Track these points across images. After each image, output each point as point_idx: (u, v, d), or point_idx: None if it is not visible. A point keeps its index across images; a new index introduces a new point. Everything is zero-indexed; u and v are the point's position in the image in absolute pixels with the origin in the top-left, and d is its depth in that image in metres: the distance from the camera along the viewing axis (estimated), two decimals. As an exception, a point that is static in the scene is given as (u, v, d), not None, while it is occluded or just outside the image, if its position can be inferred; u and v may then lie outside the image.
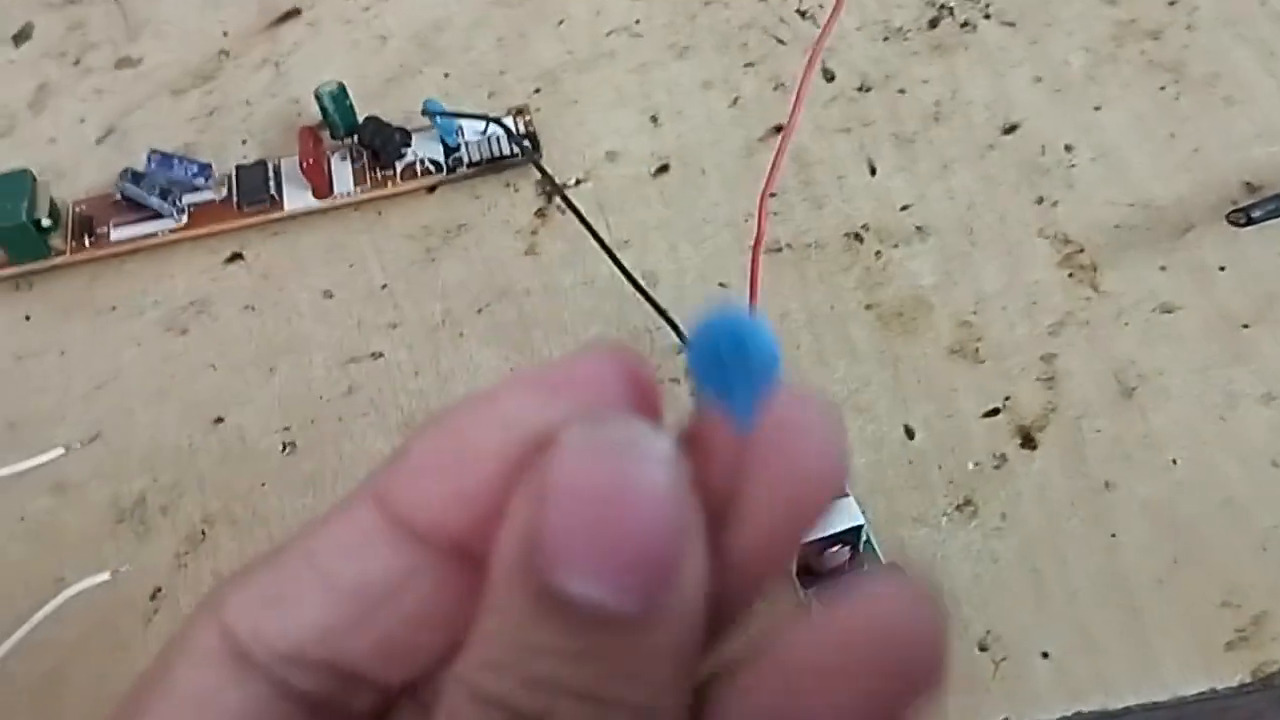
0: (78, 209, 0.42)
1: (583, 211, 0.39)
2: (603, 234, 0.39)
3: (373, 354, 0.39)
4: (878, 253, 0.39)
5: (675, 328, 0.36)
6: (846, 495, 0.32)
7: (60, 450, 0.37)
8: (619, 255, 0.38)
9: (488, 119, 0.42)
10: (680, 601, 0.14)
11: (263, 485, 0.36)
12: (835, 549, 0.31)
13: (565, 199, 0.39)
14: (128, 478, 0.36)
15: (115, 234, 0.41)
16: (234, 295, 0.40)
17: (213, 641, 0.16)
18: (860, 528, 0.31)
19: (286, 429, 0.37)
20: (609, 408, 0.15)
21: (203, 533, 0.35)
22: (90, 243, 0.41)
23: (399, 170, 0.42)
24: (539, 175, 0.42)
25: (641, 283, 0.37)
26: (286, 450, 0.37)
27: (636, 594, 0.14)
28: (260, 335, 0.39)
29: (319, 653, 0.16)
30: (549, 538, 0.14)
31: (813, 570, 0.32)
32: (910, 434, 0.35)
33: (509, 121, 0.42)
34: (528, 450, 0.15)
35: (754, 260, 0.34)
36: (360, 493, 0.16)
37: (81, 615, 0.34)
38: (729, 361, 0.15)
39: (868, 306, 0.38)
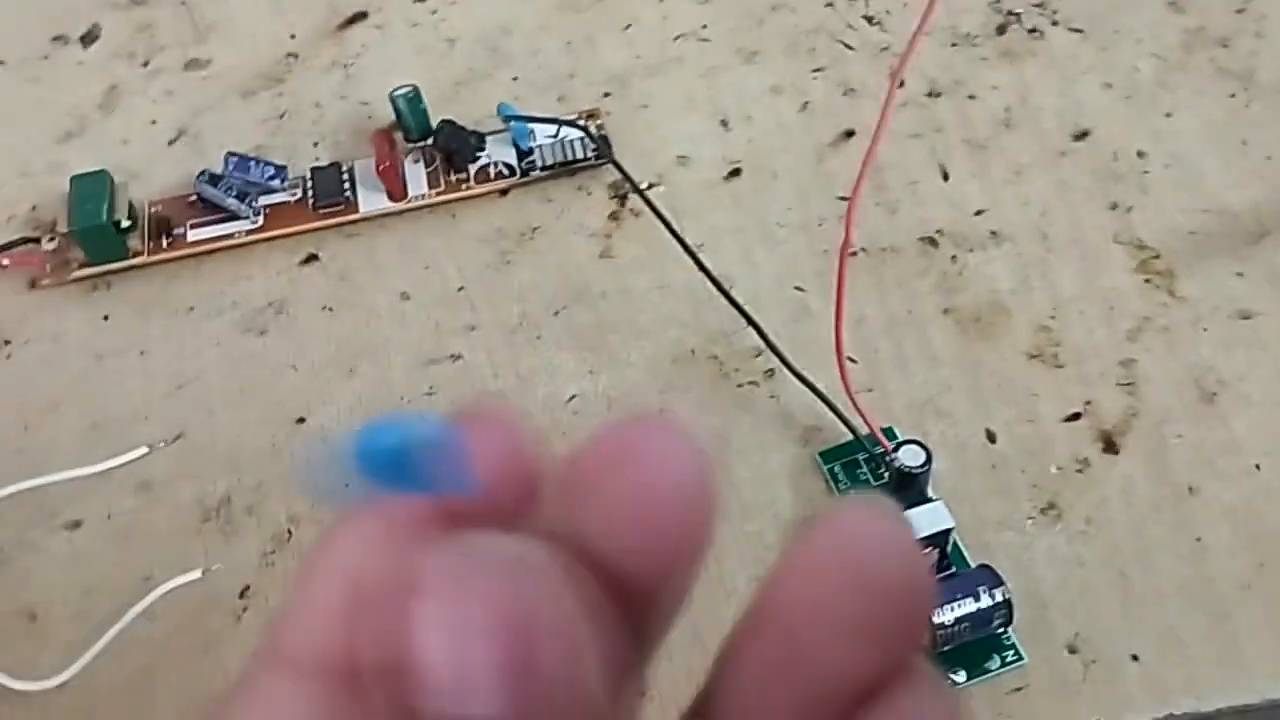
0: (153, 210, 0.42)
1: (653, 217, 0.40)
2: (672, 238, 0.39)
3: (451, 356, 0.39)
4: (953, 258, 0.39)
5: (757, 328, 0.37)
6: (934, 500, 0.32)
7: (144, 449, 0.37)
8: (690, 258, 0.39)
9: (562, 122, 0.42)
10: (548, 697, 0.13)
11: (346, 485, 0.36)
12: (925, 552, 0.32)
13: (646, 199, 0.39)
14: (212, 477, 0.37)
15: (192, 235, 0.41)
16: (311, 296, 0.41)
17: None
18: (949, 531, 0.32)
19: (368, 429, 0.37)
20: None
21: (289, 532, 0.36)
22: (168, 244, 0.41)
23: (473, 173, 0.42)
24: (611, 179, 0.42)
25: (722, 283, 0.37)
26: (369, 450, 0.37)
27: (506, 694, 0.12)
28: (339, 336, 0.40)
29: None
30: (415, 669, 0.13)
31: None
32: (992, 438, 0.35)
33: (583, 125, 0.42)
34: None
35: (842, 258, 0.34)
36: (257, 670, 0.15)
37: (172, 614, 0.34)
38: (400, 455, 0.14)
39: (945, 311, 0.38)
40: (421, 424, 0.14)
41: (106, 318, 0.41)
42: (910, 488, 0.33)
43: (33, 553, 0.36)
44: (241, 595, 0.35)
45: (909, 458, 0.32)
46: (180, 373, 0.39)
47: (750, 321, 0.37)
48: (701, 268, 0.38)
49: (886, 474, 0.34)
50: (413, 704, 0.13)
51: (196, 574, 0.34)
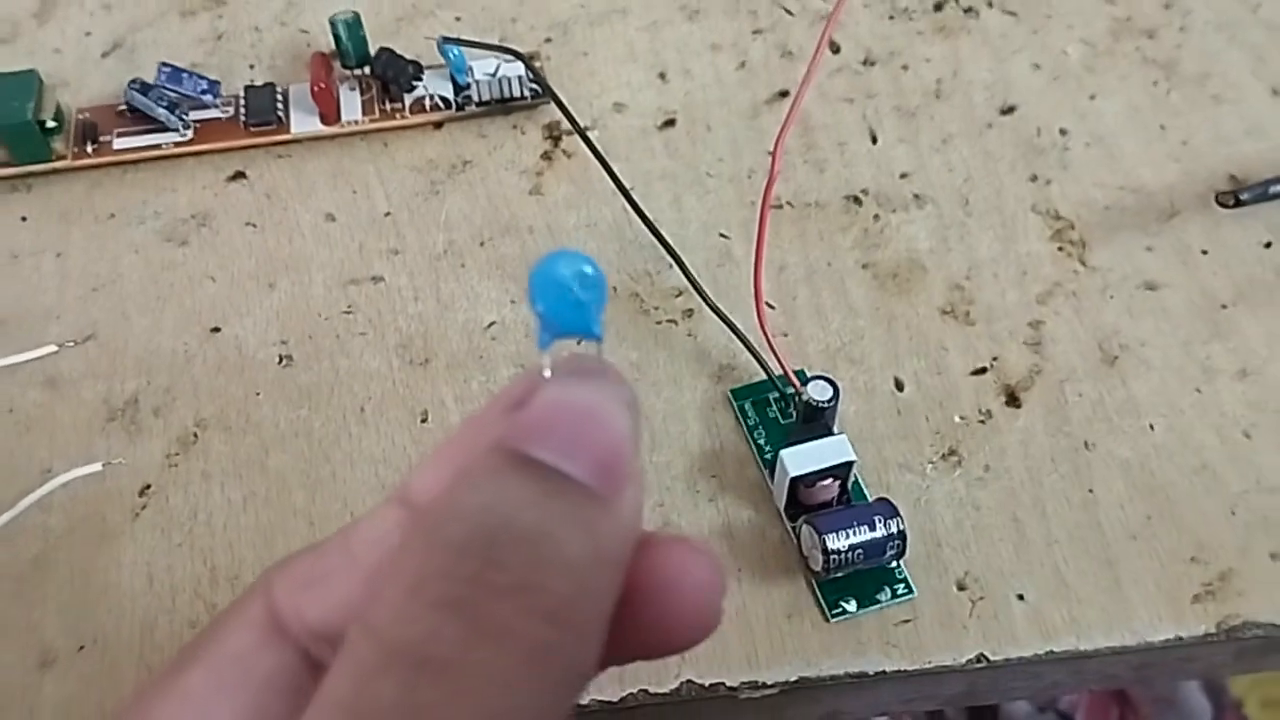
0: (81, 116, 0.42)
1: (592, 158, 0.40)
2: (603, 180, 0.40)
3: (373, 277, 0.39)
4: (876, 216, 0.40)
5: (682, 266, 0.37)
6: (839, 434, 0.33)
7: (53, 347, 0.36)
8: (618, 200, 0.39)
9: (502, 49, 0.42)
10: (627, 505, 0.17)
11: (257, 394, 0.36)
12: (826, 482, 0.32)
13: (584, 136, 0.39)
14: (121, 378, 0.36)
15: (119, 143, 0.41)
16: (236, 211, 0.40)
17: (258, 613, 0.19)
18: (851, 464, 0.32)
19: (284, 343, 0.37)
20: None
21: (195, 435, 0.35)
22: (93, 150, 0.41)
23: (408, 104, 0.42)
24: (546, 120, 0.43)
25: (654, 223, 0.38)
26: (283, 362, 0.37)
27: (596, 472, 0.16)
28: (261, 251, 0.39)
29: (342, 630, 0.18)
30: (528, 420, 0.17)
31: (801, 502, 0.33)
32: (900, 386, 0.36)
33: (524, 56, 0.43)
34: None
35: (764, 205, 0.35)
36: (390, 495, 0.19)
37: (69, 506, 0.34)
38: (570, 290, 0.18)
39: (864, 266, 0.39)
40: (590, 267, 0.18)
41: (24, 219, 0.40)
42: (816, 420, 0.33)
43: (-72, 440, 0.35)
44: (141, 494, 0.34)
45: (816, 392, 0.33)
46: (96, 276, 0.39)
47: (676, 259, 0.37)
48: (633, 204, 0.38)
49: (795, 412, 0.35)
50: (516, 449, 0.16)
51: (96, 467, 0.34)
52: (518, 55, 0.42)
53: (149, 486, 0.34)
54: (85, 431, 0.35)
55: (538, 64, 0.44)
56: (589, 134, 0.42)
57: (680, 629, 0.18)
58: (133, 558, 0.33)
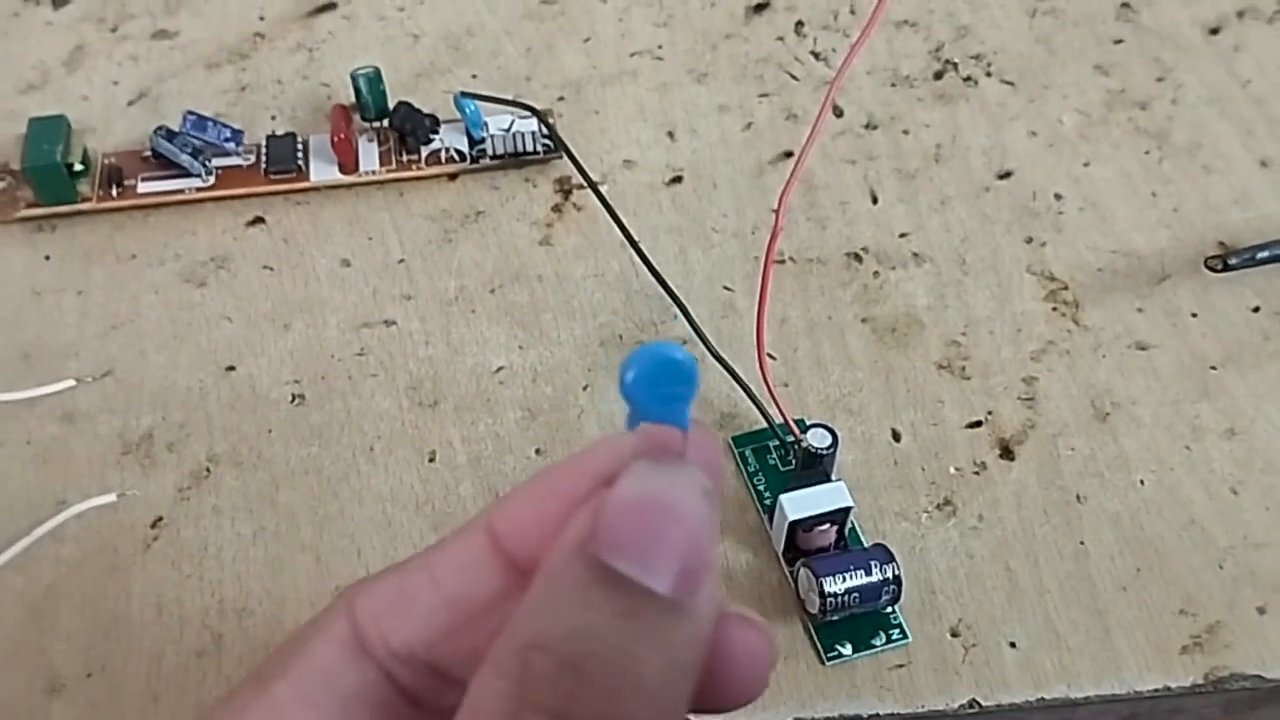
0: (107, 160, 0.43)
1: (601, 211, 0.41)
2: (615, 234, 0.41)
3: (386, 321, 0.40)
4: (875, 273, 0.41)
5: (687, 315, 0.38)
6: (837, 481, 0.34)
7: (72, 382, 0.37)
8: (632, 253, 0.40)
9: (524, 106, 0.44)
10: (703, 605, 0.18)
11: (269, 432, 0.37)
12: (824, 527, 0.33)
13: (597, 191, 0.41)
14: (137, 413, 0.37)
15: (143, 187, 0.42)
16: (254, 255, 0.42)
17: (343, 630, 0.19)
18: (849, 509, 0.33)
19: (297, 382, 0.38)
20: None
21: (207, 470, 0.36)
22: (117, 193, 0.42)
23: (424, 156, 0.44)
24: (558, 175, 0.44)
25: (660, 272, 0.39)
26: (295, 401, 0.38)
27: (674, 581, 0.17)
28: (277, 294, 0.40)
29: (425, 654, 0.19)
30: (609, 525, 0.17)
31: (799, 546, 0.33)
32: (897, 437, 0.37)
33: (539, 110, 0.44)
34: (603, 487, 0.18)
35: (767, 259, 0.36)
36: (476, 521, 0.20)
37: (83, 536, 0.35)
38: (663, 381, 0.18)
39: (863, 320, 0.40)
40: (684, 358, 0.18)
41: (48, 258, 0.41)
42: (815, 467, 0.34)
43: (-53, 468, 0.36)
44: (153, 525, 0.35)
45: (816, 439, 0.34)
46: (115, 314, 0.40)
47: (682, 309, 0.38)
48: (641, 255, 0.39)
49: (794, 460, 0.36)
50: (596, 558, 0.17)
51: (110, 497, 0.34)
52: (533, 111, 0.44)
53: (161, 519, 0.35)
54: (100, 464, 0.36)
55: (551, 120, 0.45)
56: (600, 187, 0.43)
57: (729, 696, 0.19)
58: (143, 588, 0.34)
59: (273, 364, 0.39)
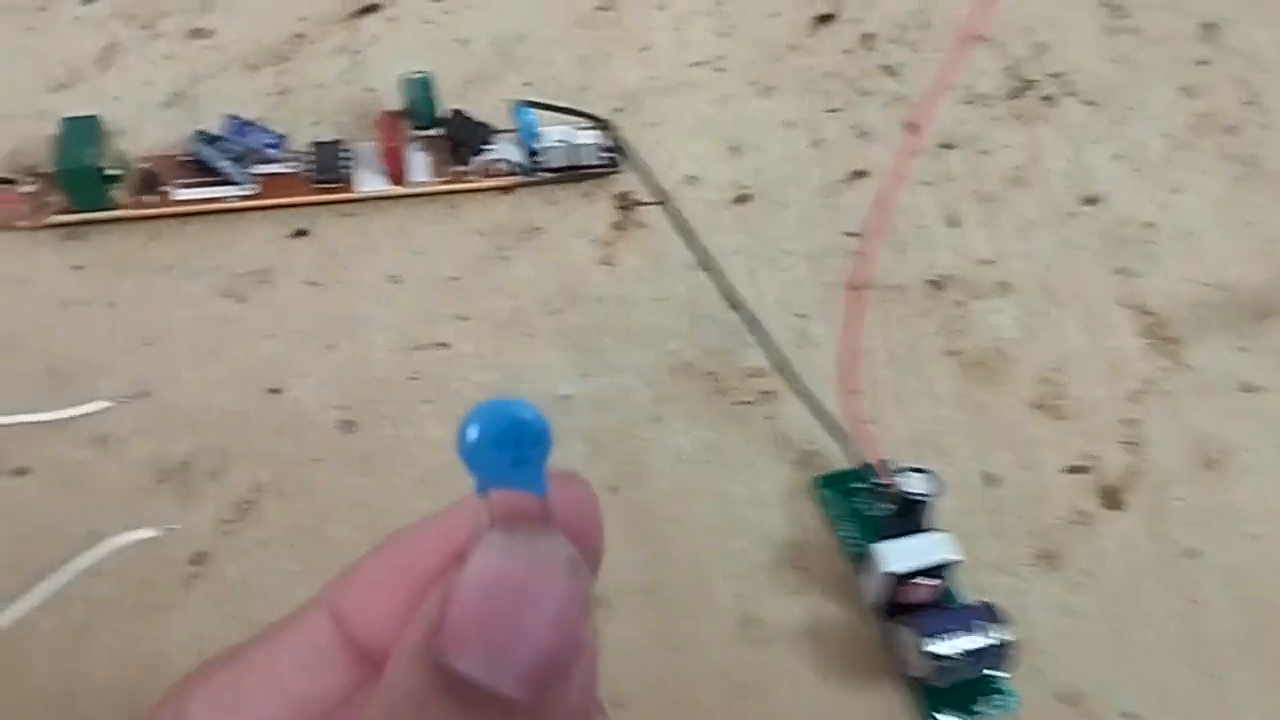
0: (142, 165, 0.40)
1: (666, 229, 0.39)
2: (679, 254, 0.39)
3: (438, 343, 0.37)
4: (958, 302, 0.39)
5: (769, 346, 0.36)
6: (941, 530, 0.31)
7: (105, 403, 0.35)
8: (698, 275, 0.38)
9: (591, 117, 0.41)
10: (568, 701, 0.15)
11: (316, 461, 0.34)
12: (928, 582, 0.30)
13: (666, 207, 0.38)
14: (173, 437, 0.35)
15: (180, 193, 0.40)
16: (297, 269, 0.39)
17: None
18: (957, 564, 0.30)
19: (345, 407, 0.36)
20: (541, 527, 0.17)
21: (250, 501, 0.33)
22: (153, 200, 0.40)
23: (477, 167, 0.41)
24: (617, 189, 0.42)
25: (738, 294, 0.36)
26: (343, 428, 0.35)
27: (529, 681, 0.15)
28: (322, 310, 0.38)
29: None
30: (452, 621, 0.15)
31: (896, 600, 0.31)
32: (990, 481, 0.35)
33: (605, 121, 0.42)
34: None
35: (855, 286, 0.34)
36: (317, 602, 0.18)
37: (119, 572, 0.32)
38: (509, 443, 0.16)
39: (949, 353, 0.37)
40: (532, 417, 0.16)
41: (79, 267, 0.39)
42: (911, 515, 0.32)
43: (-32, 495, 0.33)
44: (193, 561, 0.32)
45: (913, 484, 0.31)
46: (149, 329, 0.37)
47: (763, 339, 0.36)
48: (717, 278, 0.37)
49: (882, 504, 0.33)
50: (436, 660, 0.15)
51: (151, 532, 0.32)
52: (600, 122, 0.41)
53: (204, 554, 0.32)
54: (135, 493, 0.33)
55: (612, 131, 0.43)
56: (661, 205, 0.41)
57: None
58: (183, 629, 0.31)
59: (319, 386, 0.36)
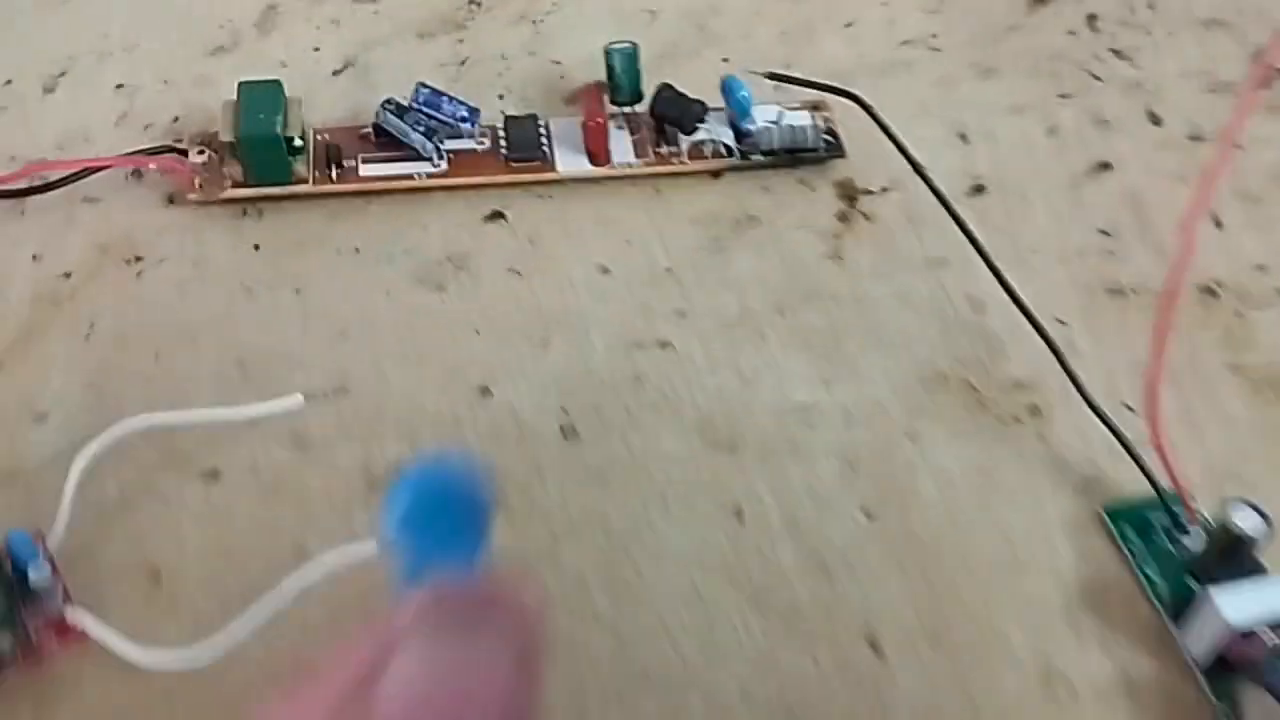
0: (320, 137, 0.37)
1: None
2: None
3: (660, 342, 0.33)
4: (1237, 313, 0.35)
5: (1058, 355, 0.32)
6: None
7: (300, 399, 0.31)
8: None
9: (843, 93, 0.37)
10: None
11: (540, 472, 0.31)
12: (1273, 638, 0.26)
13: (946, 206, 0.34)
14: (380, 441, 0.31)
15: (365, 169, 0.36)
16: (497, 255, 0.35)
17: None
18: (1301, 612, 0.26)
19: (565, 411, 0.32)
20: None
21: (471, 517, 0.30)
22: (336, 175, 0.36)
23: (685, 148, 0.37)
24: (839, 176, 0.38)
25: (1015, 288, 0.32)
26: (567, 436, 0.31)
27: None
28: (529, 303, 0.34)
29: None
30: None
31: (1227, 657, 0.27)
32: (1301, 516, 0.30)
33: (808, 113, 0.38)
34: None
35: (1171, 288, 0.30)
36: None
37: (331, 595, 0.28)
38: (441, 517, 0.14)
39: (1234, 369, 0.33)
40: (466, 483, 0.15)
41: (257, 247, 0.35)
42: (1237, 556, 0.27)
43: (160, 502, 0.29)
44: (413, 584, 0.28)
45: (1242, 520, 0.27)
46: (342, 318, 0.33)
47: (1049, 344, 0.32)
48: (997, 275, 0.33)
49: (1188, 538, 0.29)
50: None
51: (370, 546, 0.28)
52: (857, 100, 0.37)
53: (424, 577, 0.28)
54: (342, 503, 0.30)
55: (825, 113, 0.39)
56: (889, 194, 0.37)
57: None
58: (409, 664, 0.27)
59: (535, 388, 0.32)
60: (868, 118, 0.38)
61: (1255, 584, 0.27)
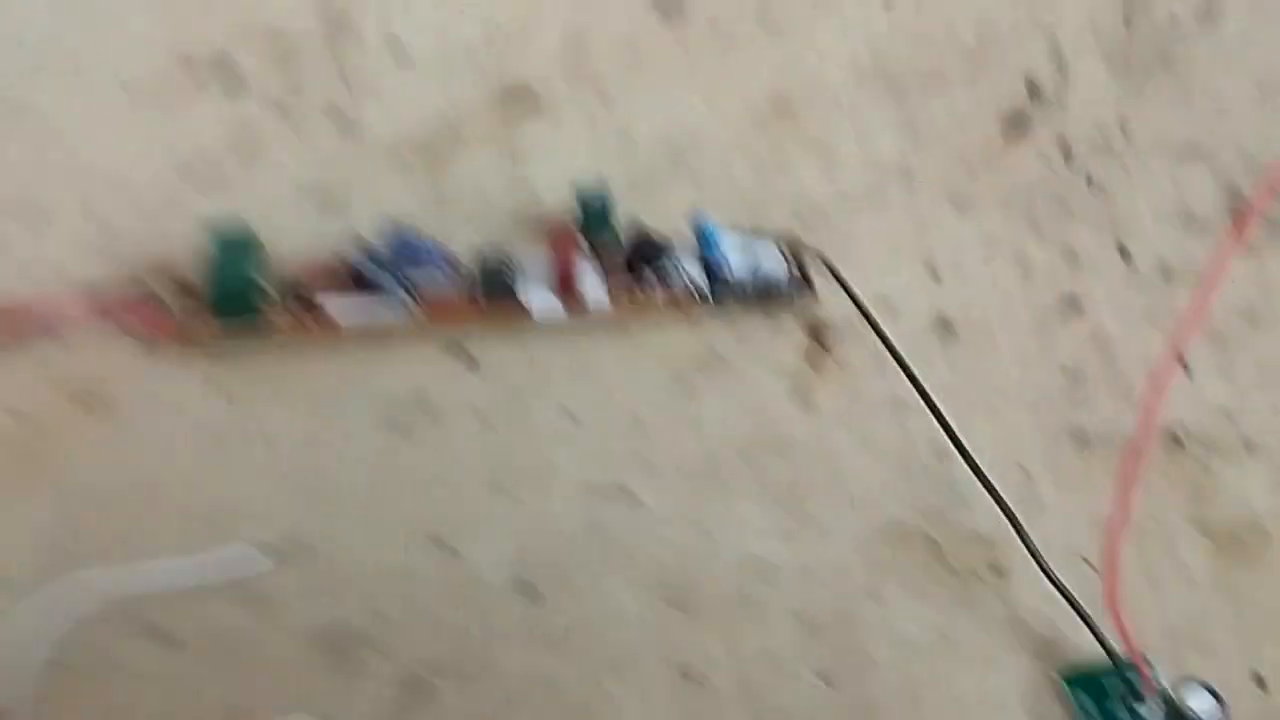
0: (290, 277, 0.37)
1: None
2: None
3: (624, 493, 0.34)
4: (1203, 463, 0.35)
5: (1009, 513, 0.32)
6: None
7: (255, 554, 0.31)
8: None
9: (783, 243, 0.38)
10: None
11: (496, 633, 0.31)
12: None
13: (895, 355, 0.35)
14: (337, 600, 0.31)
15: (336, 312, 0.36)
16: (465, 402, 0.35)
17: None
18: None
19: (525, 567, 0.32)
20: None
21: (424, 682, 0.30)
22: (307, 320, 0.36)
23: (658, 290, 0.38)
24: (806, 315, 0.38)
25: (965, 444, 0.33)
26: (526, 595, 0.31)
27: None
28: (495, 452, 0.34)
29: None
30: None
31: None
32: (1262, 684, 0.30)
33: (783, 252, 0.38)
34: None
35: (1138, 446, 0.30)
36: None
37: (282, 767, 0.28)
38: None
39: (1197, 524, 0.33)
40: None
41: (229, 396, 0.35)
42: (1191, 738, 0.27)
43: (109, 666, 0.29)
44: (365, 755, 0.29)
45: (1196, 702, 0.27)
46: (306, 469, 0.34)
47: (1000, 505, 0.32)
48: (945, 427, 0.33)
49: (1144, 707, 0.29)
50: None
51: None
52: (790, 252, 0.37)
53: (377, 748, 0.29)
54: (295, 670, 0.30)
55: (800, 250, 0.39)
56: (855, 336, 0.37)
57: None
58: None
59: (495, 544, 0.32)
60: (844, 251, 0.38)
61: (1205, 772, 0.26)
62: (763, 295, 0.38)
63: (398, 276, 0.36)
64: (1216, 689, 0.27)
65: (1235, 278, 0.39)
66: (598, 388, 0.36)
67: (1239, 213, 0.41)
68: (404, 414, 0.35)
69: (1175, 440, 0.35)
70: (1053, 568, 0.31)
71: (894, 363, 0.36)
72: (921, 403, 0.35)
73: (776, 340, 0.37)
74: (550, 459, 0.34)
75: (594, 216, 0.38)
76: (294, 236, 0.39)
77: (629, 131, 0.43)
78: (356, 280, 0.37)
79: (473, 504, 0.33)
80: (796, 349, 0.37)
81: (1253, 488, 0.34)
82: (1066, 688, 0.30)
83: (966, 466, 0.33)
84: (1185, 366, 0.37)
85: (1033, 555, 0.31)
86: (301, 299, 0.36)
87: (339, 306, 0.36)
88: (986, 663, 0.31)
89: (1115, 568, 0.29)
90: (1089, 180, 0.42)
